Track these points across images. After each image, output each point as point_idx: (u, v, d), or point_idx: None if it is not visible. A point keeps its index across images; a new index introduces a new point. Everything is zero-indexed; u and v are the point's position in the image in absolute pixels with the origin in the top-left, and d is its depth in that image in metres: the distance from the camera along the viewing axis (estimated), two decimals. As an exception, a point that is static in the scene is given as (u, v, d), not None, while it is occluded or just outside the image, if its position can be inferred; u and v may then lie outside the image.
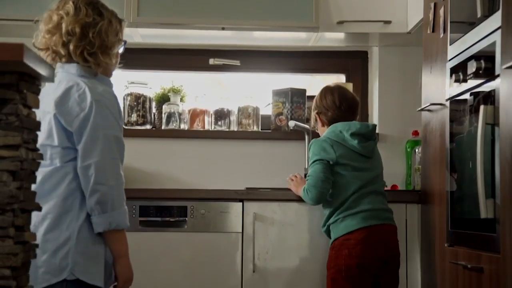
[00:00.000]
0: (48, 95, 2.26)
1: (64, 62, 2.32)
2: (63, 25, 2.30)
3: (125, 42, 2.47)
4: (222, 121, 3.93)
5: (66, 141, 2.23)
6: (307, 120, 3.92)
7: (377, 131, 3.89)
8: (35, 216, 2.12)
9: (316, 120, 3.20)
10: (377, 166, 3.10)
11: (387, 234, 2.98)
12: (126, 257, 2.30)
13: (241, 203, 3.25)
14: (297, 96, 3.92)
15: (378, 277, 2.95)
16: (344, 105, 3.12)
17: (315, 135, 3.52)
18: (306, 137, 3.83)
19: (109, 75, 2.42)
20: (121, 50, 2.45)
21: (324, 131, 3.14)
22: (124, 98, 3.86)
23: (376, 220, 2.95)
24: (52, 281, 2.17)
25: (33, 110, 1.67)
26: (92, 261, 2.23)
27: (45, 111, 2.23)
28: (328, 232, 3.04)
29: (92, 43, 2.30)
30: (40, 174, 2.16)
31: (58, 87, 2.26)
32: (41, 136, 2.20)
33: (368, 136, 3.06)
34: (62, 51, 2.31)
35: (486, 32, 2.36)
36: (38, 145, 2.17)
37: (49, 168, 2.23)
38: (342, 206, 2.97)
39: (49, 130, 2.23)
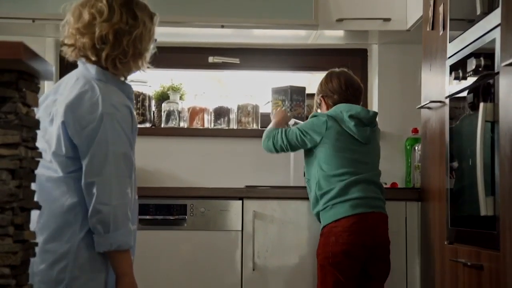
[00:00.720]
0: (65, 88, 2.16)
1: (86, 61, 2.19)
2: (96, 29, 2.15)
3: (156, 40, 2.33)
4: (222, 119, 3.93)
5: (70, 151, 2.11)
6: (307, 118, 3.91)
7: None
8: (34, 222, 2.02)
9: (320, 104, 3.22)
10: (372, 154, 3.10)
11: (375, 221, 2.97)
12: (130, 276, 2.18)
13: (240, 201, 3.25)
14: (297, 94, 3.91)
15: (366, 265, 2.97)
16: (350, 90, 3.16)
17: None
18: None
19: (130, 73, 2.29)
20: (152, 50, 2.32)
21: None
22: (123, 96, 3.86)
23: (365, 208, 2.96)
24: None
25: (33, 108, 1.67)
26: (91, 278, 2.13)
27: (56, 111, 2.13)
28: (318, 218, 3.06)
29: (126, 51, 2.17)
30: (49, 181, 2.11)
31: (74, 87, 2.14)
32: (52, 137, 2.12)
33: (367, 121, 3.07)
34: (92, 57, 2.17)
35: (486, 29, 2.36)
36: (47, 144, 2.11)
37: (56, 175, 2.12)
38: (331, 192, 2.98)
39: (57, 135, 2.12)
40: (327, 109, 3.17)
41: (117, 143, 2.11)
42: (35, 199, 2.05)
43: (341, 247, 2.92)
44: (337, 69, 3.25)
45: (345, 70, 3.26)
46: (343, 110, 3.07)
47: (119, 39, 2.16)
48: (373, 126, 3.10)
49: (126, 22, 2.17)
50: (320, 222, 3.05)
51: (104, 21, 2.15)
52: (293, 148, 3.15)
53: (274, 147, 3.18)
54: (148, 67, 2.29)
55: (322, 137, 3.03)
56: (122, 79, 2.26)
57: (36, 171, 2.05)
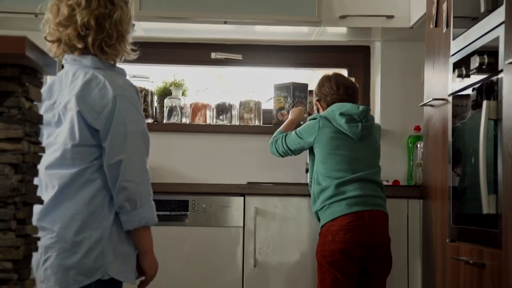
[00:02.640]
0: (64, 89, 2.20)
1: (78, 54, 2.23)
2: (77, 18, 2.20)
3: (134, 25, 2.39)
4: (224, 115, 3.92)
5: (91, 139, 2.15)
6: (309, 115, 3.91)
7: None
8: (62, 217, 2.11)
9: (318, 108, 3.27)
10: (368, 151, 3.09)
11: (373, 219, 2.96)
12: (152, 252, 2.24)
13: (242, 198, 3.25)
14: (299, 90, 3.91)
15: (365, 262, 2.97)
16: (342, 89, 3.18)
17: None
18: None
19: (120, 61, 2.34)
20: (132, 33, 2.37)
21: None
22: (125, 92, 3.86)
23: (362, 206, 2.95)
24: (85, 283, 2.12)
25: (35, 103, 1.66)
26: (124, 259, 2.18)
27: (63, 108, 2.17)
28: (318, 217, 3.08)
29: (110, 34, 2.22)
30: (65, 176, 2.15)
31: (74, 81, 2.18)
32: (62, 135, 2.16)
33: (358, 117, 3.06)
34: (79, 45, 2.21)
35: (490, 27, 2.36)
36: (60, 144, 2.15)
37: (75, 169, 2.15)
38: (328, 191, 2.99)
39: (71, 128, 2.15)
40: (323, 110, 3.20)
41: (134, 121, 2.17)
42: (54, 201, 2.14)
43: (338, 246, 2.93)
44: (329, 73, 3.29)
45: (337, 73, 3.30)
46: (335, 109, 3.10)
47: (101, 24, 2.22)
48: (366, 122, 3.09)
49: (105, 6, 2.24)
50: (319, 221, 3.05)
51: (83, 9, 2.21)
52: (294, 152, 3.23)
53: (278, 152, 3.29)
54: (133, 51, 2.35)
55: (315, 136, 3.07)
56: (112, 63, 2.30)
57: (52, 172, 2.15)
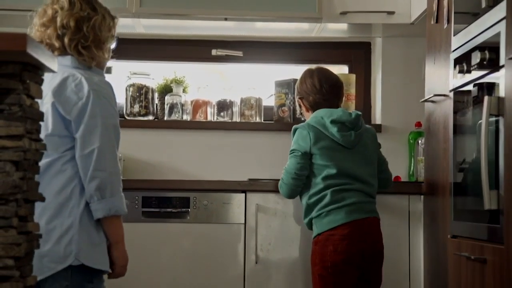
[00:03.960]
0: (43, 87, 2.27)
1: (57, 55, 2.35)
2: (58, 19, 2.34)
3: (117, 38, 2.51)
4: (225, 112, 3.92)
5: (64, 130, 2.26)
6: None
7: (379, 122, 3.90)
8: (36, 206, 2.15)
9: (300, 106, 3.12)
10: (361, 157, 2.98)
11: (371, 227, 2.91)
12: (123, 243, 2.35)
13: (243, 194, 3.25)
14: (300, 87, 3.90)
15: (365, 271, 2.91)
16: (326, 87, 3.03)
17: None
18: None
19: (102, 69, 2.46)
20: (113, 46, 2.50)
21: (309, 117, 3.06)
22: (126, 89, 3.86)
23: (359, 214, 2.89)
24: (57, 269, 2.20)
25: (36, 100, 1.67)
26: (95, 246, 2.27)
27: (40, 103, 2.25)
28: (310, 225, 2.98)
29: (86, 36, 2.34)
30: (42, 166, 2.19)
31: (53, 79, 2.29)
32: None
33: (350, 125, 2.96)
34: (56, 44, 2.34)
35: (491, 22, 2.35)
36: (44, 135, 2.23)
37: (47, 160, 2.24)
38: (325, 198, 2.90)
39: (46, 117, 2.25)
40: (307, 111, 3.08)
41: (107, 115, 2.28)
42: None
43: (341, 256, 2.85)
44: (312, 67, 3.13)
45: (320, 67, 3.14)
46: (324, 115, 2.96)
47: (80, 26, 2.35)
48: (358, 129, 2.98)
49: (87, 11, 2.37)
50: (311, 229, 2.97)
51: (65, 12, 2.35)
52: (302, 173, 2.96)
53: (289, 190, 3.01)
54: (112, 57, 2.49)
55: (310, 146, 2.93)
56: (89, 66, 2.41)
57: None
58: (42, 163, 2.18)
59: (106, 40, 2.41)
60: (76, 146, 2.25)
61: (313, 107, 3.05)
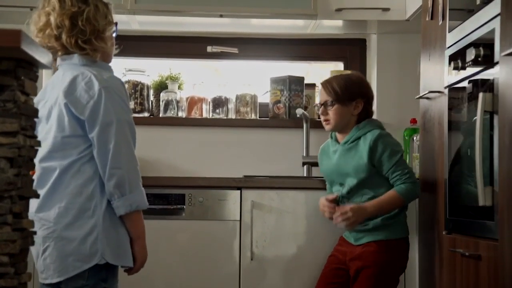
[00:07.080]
0: (55, 88, 2.31)
1: (61, 55, 2.35)
2: (52, 20, 2.33)
3: (116, 23, 2.47)
4: (220, 109, 3.92)
5: (79, 130, 2.26)
6: (305, 108, 3.92)
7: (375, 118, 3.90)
8: (57, 208, 2.22)
9: (354, 107, 3.04)
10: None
11: None
12: (143, 239, 2.35)
13: (239, 191, 3.25)
14: (295, 84, 3.91)
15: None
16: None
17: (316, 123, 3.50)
18: (305, 125, 3.83)
19: (108, 60, 2.45)
20: (114, 33, 2.46)
21: (345, 120, 3.04)
22: (121, 86, 3.86)
23: None
24: (84, 268, 2.22)
25: (31, 96, 1.66)
26: (119, 244, 2.28)
27: (53, 104, 2.28)
28: (376, 228, 2.99)
29: (83, 30, 2.33)
30: (57, 168, 2.25)
31: (63, 79, 2.29)
32: (52, 128, 2.27)
33: None
34: (56, 45, 2.34)
35: (485, 19, 2.35)
36: (50, 138, 2.26)
37: (67, 161, 2.25)
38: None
39: (59, 121, 2.26)
40: (359, 115, 3.05)
41: (120, 111, 2.27)
42: (49, 193, 2.23)
43: (406, 264, 3.07)
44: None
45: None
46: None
47: (74, 21, 2.33)
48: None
49: (77, 6, 2.34)
50: (366, 231, 3.00)
51: (57, 11, 2.33)
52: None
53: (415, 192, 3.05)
54: (116, 49, 2.47)
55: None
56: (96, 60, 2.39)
57: (45, 165, 2.25)
58: (61, 164, 2.25)
59: (104, 28, 2.38)
60: (92, 145, 2.25)
61: (369, 115, 3.11)
